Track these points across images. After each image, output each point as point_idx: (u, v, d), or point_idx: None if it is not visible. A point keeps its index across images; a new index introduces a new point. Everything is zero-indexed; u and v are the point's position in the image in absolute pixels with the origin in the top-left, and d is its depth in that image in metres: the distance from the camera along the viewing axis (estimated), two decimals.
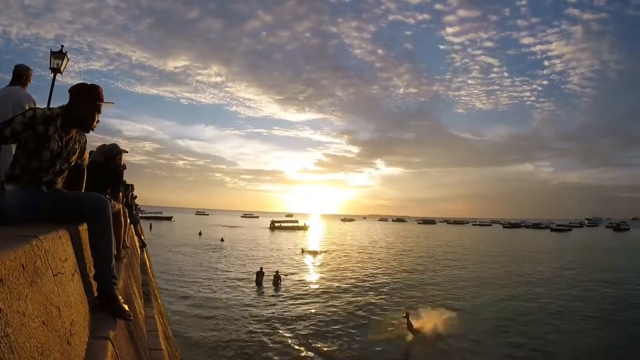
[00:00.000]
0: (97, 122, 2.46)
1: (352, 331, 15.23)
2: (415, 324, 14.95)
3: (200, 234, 62.76)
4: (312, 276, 28.34)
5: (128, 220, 6.40)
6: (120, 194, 5.25)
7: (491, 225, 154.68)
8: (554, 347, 13.56)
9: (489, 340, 14.32)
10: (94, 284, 2.17)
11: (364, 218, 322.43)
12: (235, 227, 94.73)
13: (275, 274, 24.47)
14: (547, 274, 29.59)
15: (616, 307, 19.25)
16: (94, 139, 4.99)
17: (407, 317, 14.81)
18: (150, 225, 67.79)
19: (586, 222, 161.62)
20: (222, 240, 52.91)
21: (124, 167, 5.36)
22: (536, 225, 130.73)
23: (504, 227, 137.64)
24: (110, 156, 4.80)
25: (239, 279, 25.17)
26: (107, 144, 5.00)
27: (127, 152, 5.46)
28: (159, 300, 11.61)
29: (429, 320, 15.61)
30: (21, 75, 4.38)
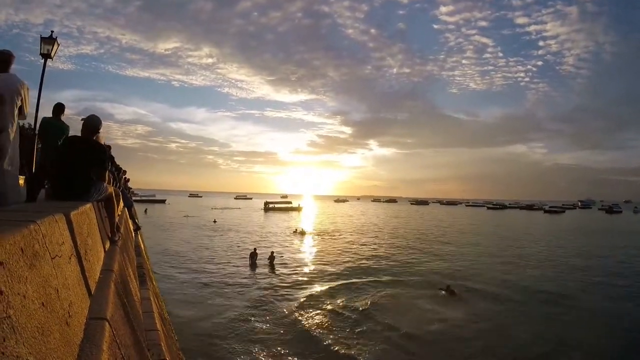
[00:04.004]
0: None
1: (347, 310, 15.51)
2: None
3: (186, 216, 62.89)
4: (306, 256, 28.66)
5: (122, 203, 6.39)
6: (107, 173, 5.06)
7: (484, 206, 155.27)
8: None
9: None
10: (90, 268, 2.20)
11: (358, 199, 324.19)
12: (229, 208, 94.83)
13: (270, 254, 24.69)
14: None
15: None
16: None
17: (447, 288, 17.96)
18: (146, 210, 67.65)
19: (579, 204, 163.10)
20: (214, 221, 53.15)
21: (109, 147, 5.19)
22: (529, 207, 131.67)
23: (488, 208, 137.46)
24: (89, 129, 4.36)
25: (233, 261, 25.35)
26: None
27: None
28: (154, 282, 11.70)
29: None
30: (8, 61, 4.32)
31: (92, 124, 4.42)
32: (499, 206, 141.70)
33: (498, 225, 61.28)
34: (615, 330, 13.59)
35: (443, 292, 17.86)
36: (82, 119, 4.59)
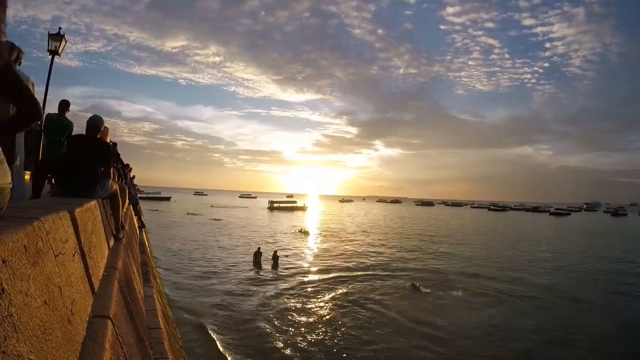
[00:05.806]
0: None
1: (350, 309, 15.49)
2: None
3: (189, 214, 62.92)
4: (310, 256, 28.58)
5: (127, 201, 6.39)
6: (112, 169, 5.10)
7: (489, 208, 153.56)
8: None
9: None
10: (94, 266, 2.20)
11: (363, 199, 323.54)
12: (230, 207, 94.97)
13: (273, 254, 24.67)
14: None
15: None
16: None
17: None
18: (157, 209, 67.98)
19: (585, 206, 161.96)
20: (217, 219, 53.45)
21: (115, 144, 5.23)
22: (535, 209, 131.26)
23: (490, 210, 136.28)
24: (91, 128, 4.49)
25: (237, 260, 25.33)
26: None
27: (107, 127, 5.27)
28: (158, 280, 11.74)
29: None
30: (17, 57, 4.34)
31: (94, 123, 4.55)
32: (501, 208, 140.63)
33: (500, 227, 60.92)
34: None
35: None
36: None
